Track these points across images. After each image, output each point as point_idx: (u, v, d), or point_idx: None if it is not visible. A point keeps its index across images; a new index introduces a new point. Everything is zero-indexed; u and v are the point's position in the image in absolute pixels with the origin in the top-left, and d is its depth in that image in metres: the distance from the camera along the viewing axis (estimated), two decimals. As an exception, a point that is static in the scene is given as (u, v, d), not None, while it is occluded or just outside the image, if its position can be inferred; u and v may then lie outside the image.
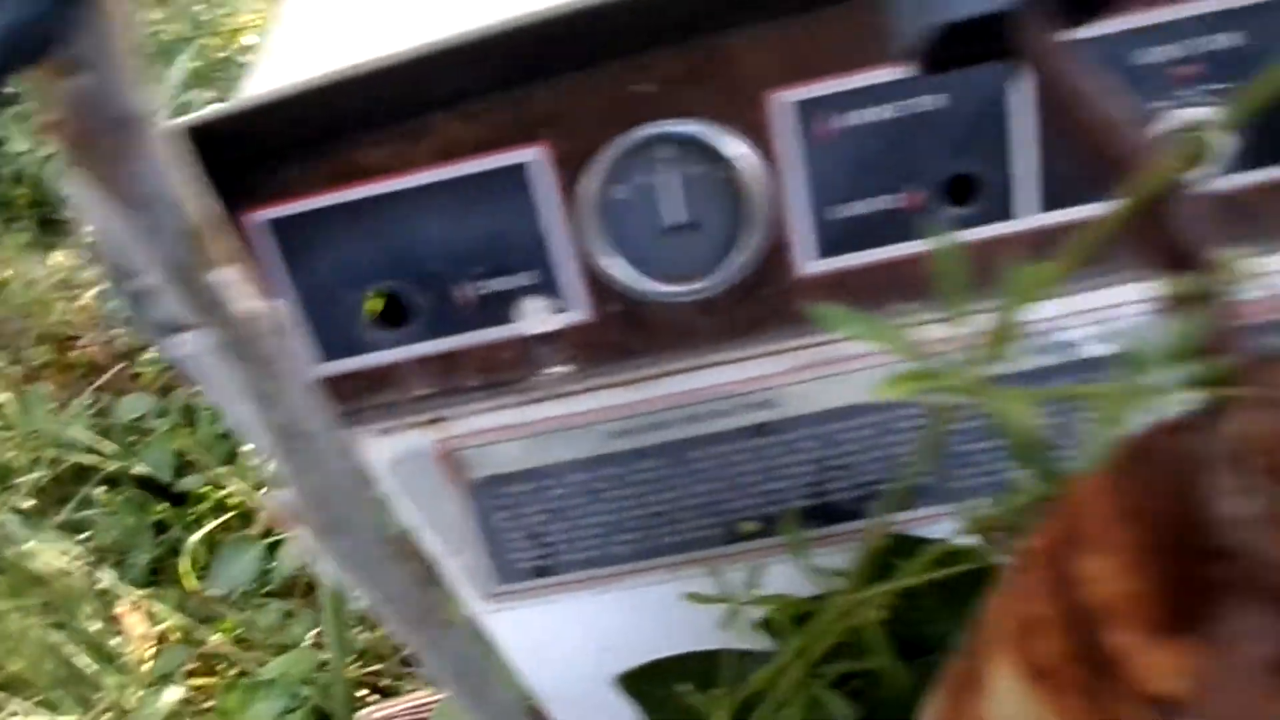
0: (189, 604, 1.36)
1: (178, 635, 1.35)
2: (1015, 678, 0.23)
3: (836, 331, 0.30)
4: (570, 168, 0.41)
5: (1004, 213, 0.42)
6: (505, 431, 0.47)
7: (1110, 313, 0.44)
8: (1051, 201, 0.42)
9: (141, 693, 1.26)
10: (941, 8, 0.23)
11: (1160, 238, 0.20)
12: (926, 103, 0.40)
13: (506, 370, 0.45)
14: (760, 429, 0.46)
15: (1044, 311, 0.44)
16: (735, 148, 0.40)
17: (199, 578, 1.38)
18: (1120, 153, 0.21)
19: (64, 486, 1.53)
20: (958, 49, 0.24)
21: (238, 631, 1.31)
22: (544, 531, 0.49)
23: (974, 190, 0.42)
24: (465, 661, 0.40)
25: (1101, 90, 0.21)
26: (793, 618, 0.45)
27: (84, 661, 1.29)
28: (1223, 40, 0.40)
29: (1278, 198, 0.42)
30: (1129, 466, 0.21)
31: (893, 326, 0.29)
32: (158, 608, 1.33)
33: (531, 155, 0.41)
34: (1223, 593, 0.18)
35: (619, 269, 0.42)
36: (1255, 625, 0.17)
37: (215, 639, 1.30)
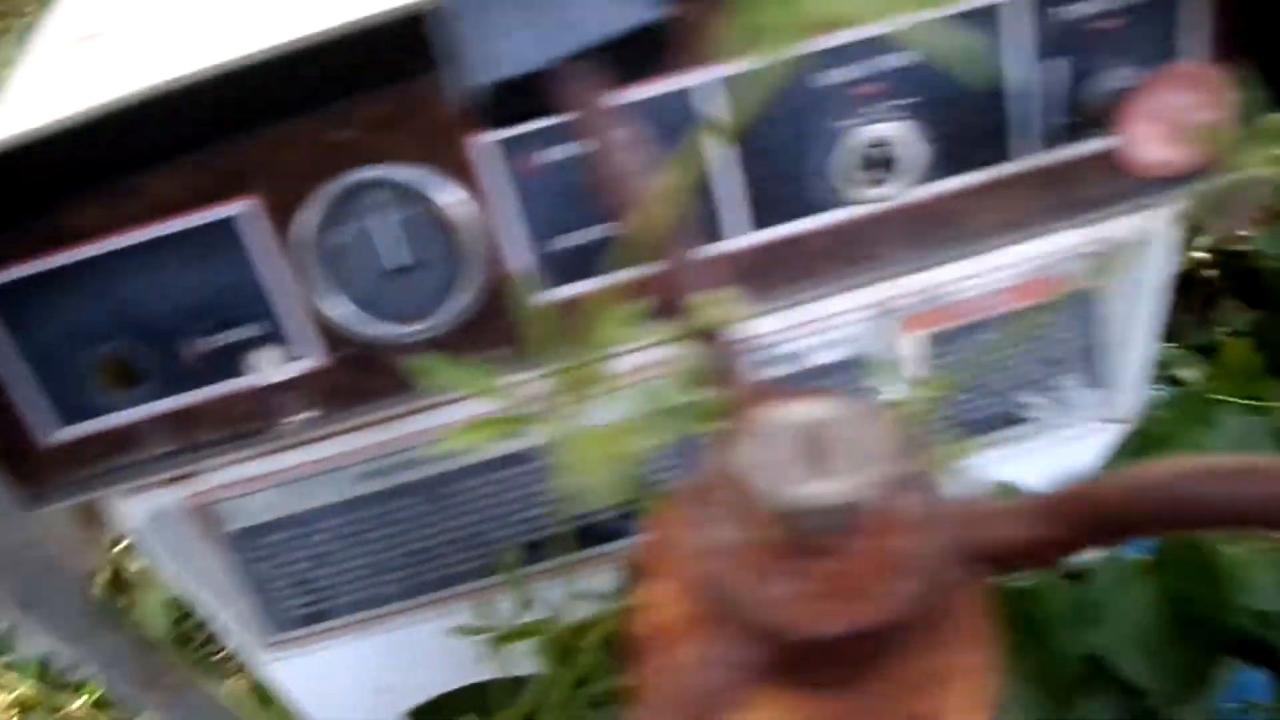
0: (48, 674, 1.31)
1: (37, 704, 1.29)
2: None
3: (438, 386, 0.30)
4: (282, 218, 0.41)
5: (714, 235, 0.43)
6: (256, 482, 0.46)
7: (831, 322, 0.46)
8: (762, 220, 0.43)
9: (-1, 767, 1.20)
10: (490, 67, 0.24)
11: (662, 284, 0.22)
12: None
13: (248, 421, 0.45)
14: (512, 459, 0.47)
15: (769, 325, 0.45)
16: (444, 189, 0.41)
17: (56, 642, 1.32)
18: (625, 203, 0.22)
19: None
20: (515, 104, 0.25)
21: (98, 695, 1.27)
22: (311, 577, 0.49)
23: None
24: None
25: (621, 145, 0.23)
26: (555, 641, 0.46)
27: (-65, 741, 1.23)
28: (895, 60, 0.42)
29: (970, 203, 0.45)
30: (683, 496, 0.22)
31: (487, 373, 0.30)
32: (11, 677, 1.28)
33: (240, 208, 0.41)
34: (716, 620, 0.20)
35: (345, 313, 0.42)
36: (712, 652, 0.19)
37: (75, 706, 1.25)
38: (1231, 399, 1.00)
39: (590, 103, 0.23)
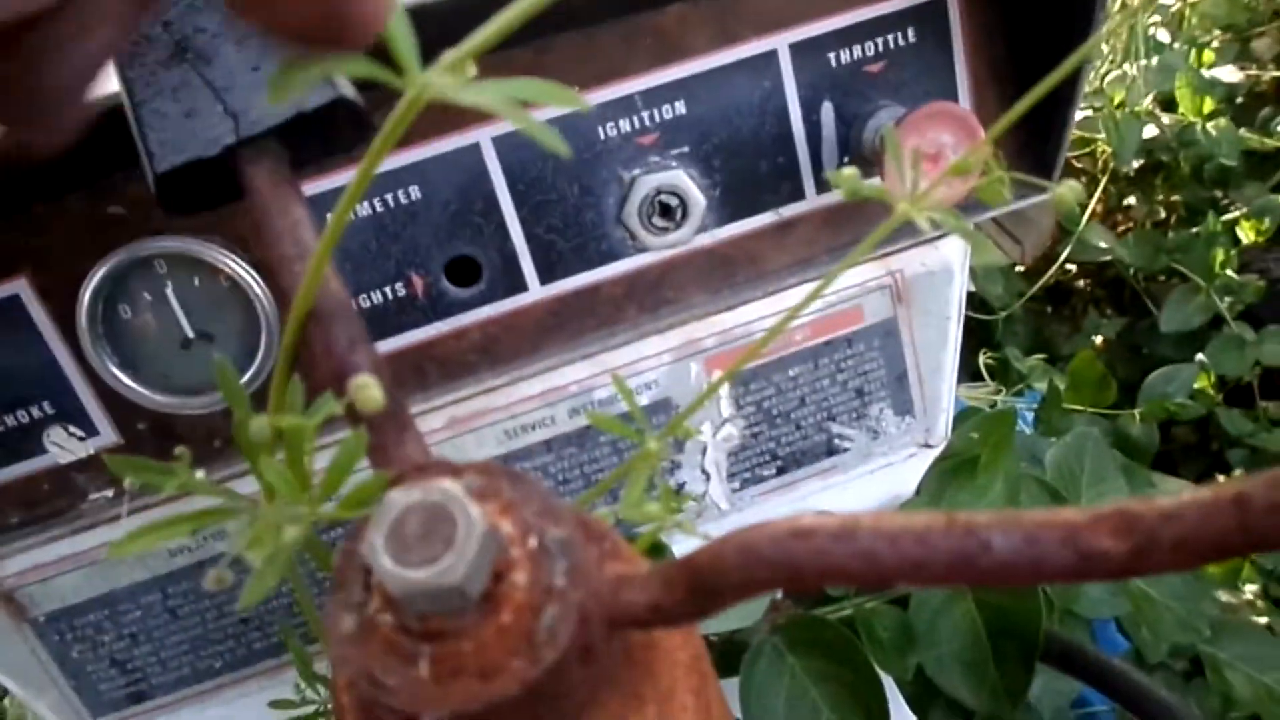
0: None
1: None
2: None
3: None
4: (65, 294, 0.40)
5: (512, 289, 0.44)
6: (62, 564, 0.45)
7: (635, 368, 0.46)
8: (554, 273, 0.44)
9: None
10: (166, 155, 0.24)
11: (320, 364, 0.22)
12: (403, 196, 0.41)
13: (49, 502, 0.44)
14: (330, 524, 0.47)
15: (572, 375, 0.46)
16: (226, 257, 0.40)
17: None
18: (288, 290, 0.22)
19: None
20: (190, 191, 0.25)
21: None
22: (129, 657, 0.48)
23: (479, 270, 0.43)
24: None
25: (290, 228, 0.23)
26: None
27: None
28: (680, 107, 0.43)
29: (762, 244, 0.46)
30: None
31: (185, 469, 0.29)
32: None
33: (20, 287, 0.40)
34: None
35: (136, 388, 0.42)
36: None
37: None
38: (1082, 408, 1.04)
39: (268, 186, 0.23)
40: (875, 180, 0.43)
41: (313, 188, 0.41)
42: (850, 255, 0.29)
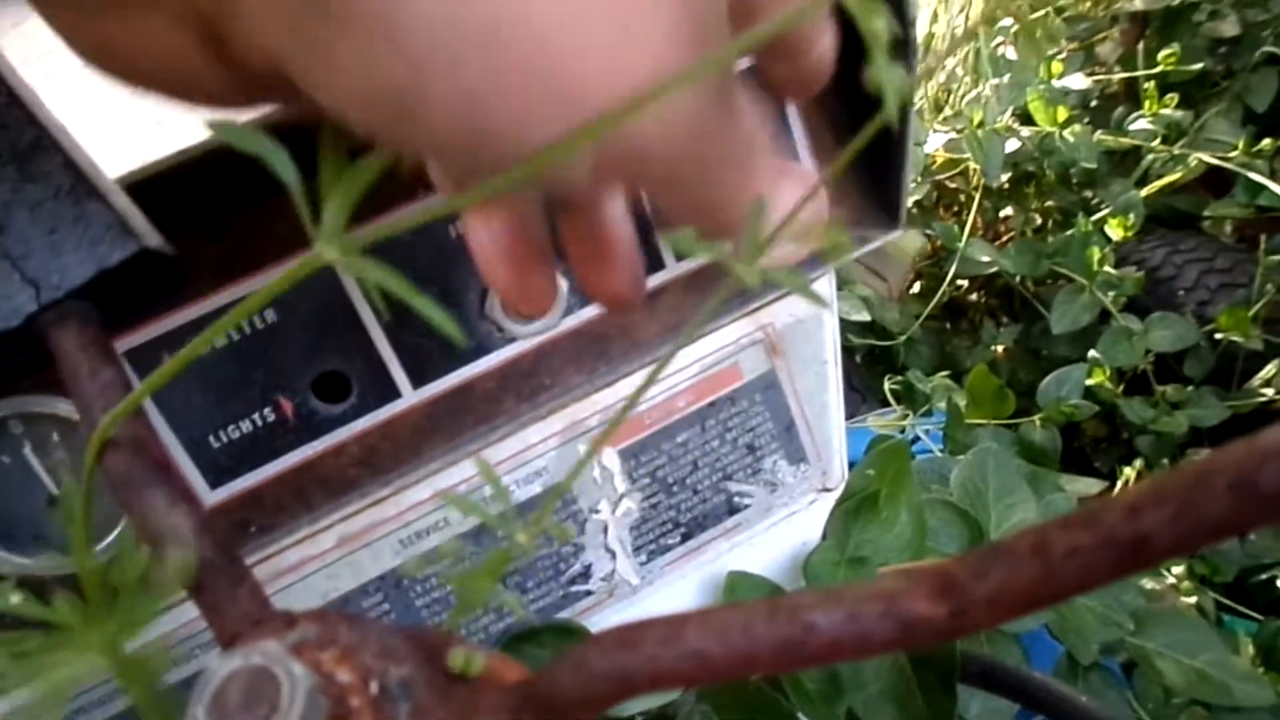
0: None
1: None
2: None
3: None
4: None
5: (384, 397, 0.43)
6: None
7: (521, 457, 0.46)
8: (424, 376, 0.44)
9: None
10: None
11: (139, 527, 0.21)
12: (259, 321, 0.41)
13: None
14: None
15: (464, 473, 0.45)
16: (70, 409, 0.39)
17: None
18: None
19: None
20: (9, 359, 0.24)
21: None
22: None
23: (348, 385, 0.43)
24: None
25: (100, 391, 0.22)
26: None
27: None
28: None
29: (629, 317, 0.46)
30: None
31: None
32: None
33: None
34: None
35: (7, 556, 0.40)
36: None
37: None
38: (985, 421, 1.06)
39: (75, 350, 0.23)
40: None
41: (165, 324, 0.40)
42: (684, 334, 0.29)
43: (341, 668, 0.19)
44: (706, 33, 0.19)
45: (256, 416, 0.42)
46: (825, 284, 0.50)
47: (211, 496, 0.42)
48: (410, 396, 0.44)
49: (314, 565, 0.45)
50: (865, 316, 1.24)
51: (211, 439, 0.41)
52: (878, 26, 0.16)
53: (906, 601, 0.17)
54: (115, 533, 0.40)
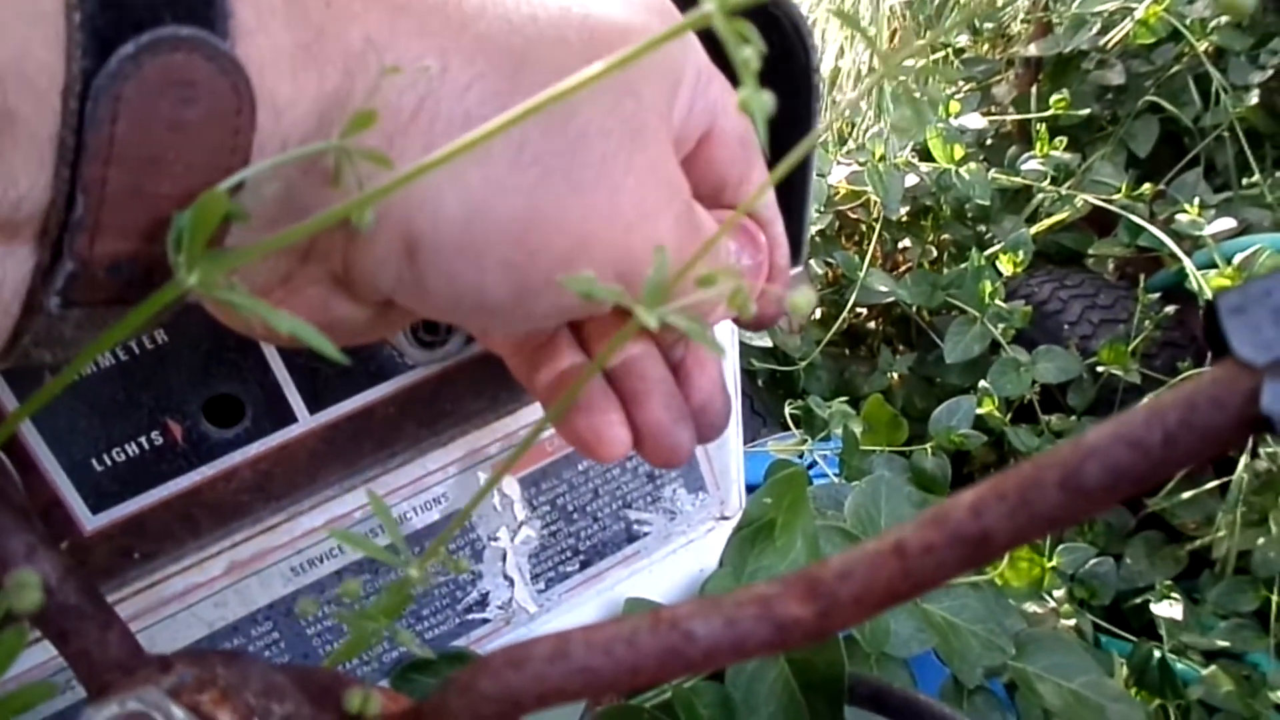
0: None
1: None
2: None
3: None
4: None
5: (279, 422, 0.43)
6: None
7: (421, 484, 0.46)
8: (322, 400, 0.43)
9: None
10: None
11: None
12: (148, 341, 0.40)
13: None
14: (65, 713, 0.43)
15: (359, 500, 0.45)
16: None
17: None
18: None
19: None
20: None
21: None
22: None
23: (242, 408, 0.42)
24: None
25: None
26: None
27: None
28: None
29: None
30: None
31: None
32: None
33: None
34: None
35: None
36: None
37: None
38: (880, 448, 1.09)
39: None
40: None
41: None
42: (595, 362, 0.30)
43: (222, 709, 0.19)
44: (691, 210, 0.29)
45: (143, 439, 0.41)
46: (725, 324, 0.51)
47: (93, 521, 0.41)
48: (307, 421, 0.43)
49: (201, 593, 0.43)
50: (767, 342, 1.26)
51: (94, 462, 0.40)
52: (746, 56, 0.16)
53: (778, 605, 0.17)
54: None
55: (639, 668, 0.18)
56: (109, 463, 0.40)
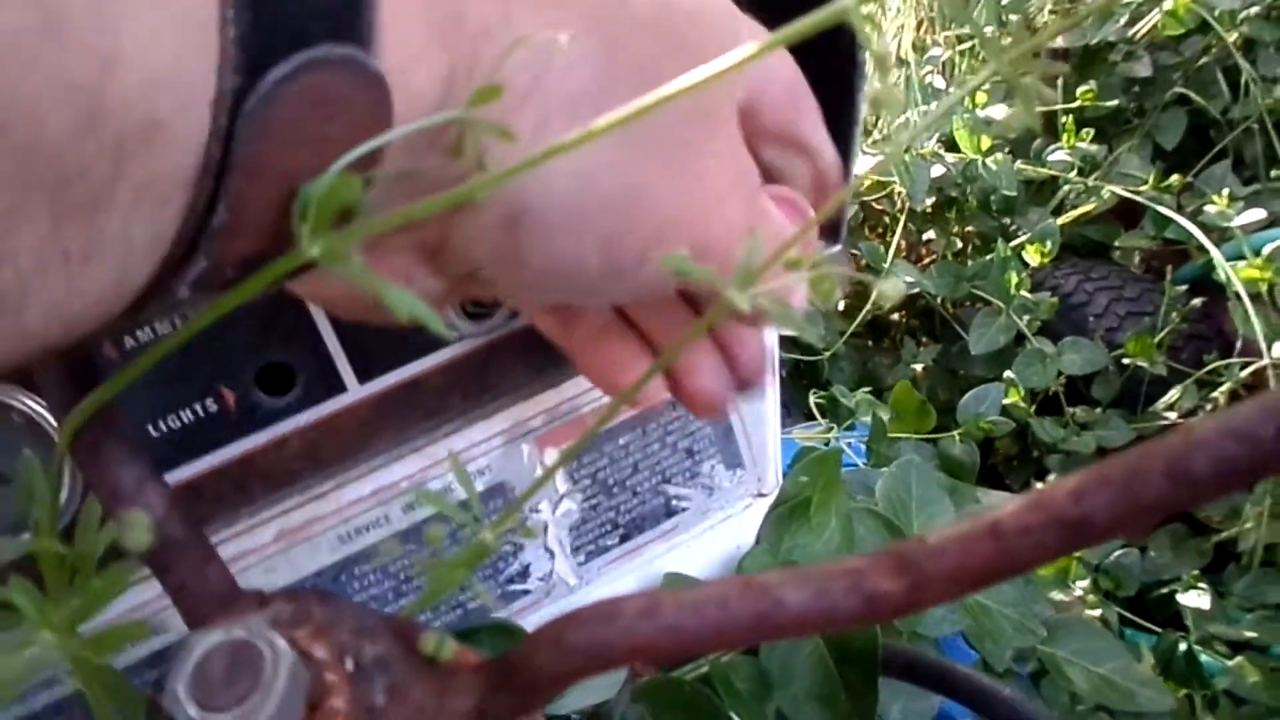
0: None
1: None
2: None
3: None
4: None
5: (329, 391, 0.43)
6: None
7: (467, 454, 0.46)
8: (371, 371, 0.44)
9: None
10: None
11: (111, 507, 0.21)
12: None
13: None
14: (156, 657, 0.44)
15: (406, 470, 0.46)
16: (12, 397, 0.38)
17: None
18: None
19: None
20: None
21: None
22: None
23: (293, 377, 0.43)
24: None
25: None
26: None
27: None
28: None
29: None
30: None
31: None
32: None
33: None
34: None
35: (-75, 544, 0.39)
36: None
37: None
38: (907, 435, 1.09)
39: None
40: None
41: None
42: (687, 334, 0.30)
43: (317, 644, 0.19)
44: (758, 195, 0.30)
45: (198, 406, 0.41)
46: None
47: (149, 486, 0.41)
48: (356, 391, 0.44)
49: (251, 559, 0.44)
50: (790, 332, 1.26)
51: (150, 428, 0.41)
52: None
53: (869, 578, 0.18)
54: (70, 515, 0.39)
55: (726, 630, 0.18)
56: (164, 429, 0.41)
